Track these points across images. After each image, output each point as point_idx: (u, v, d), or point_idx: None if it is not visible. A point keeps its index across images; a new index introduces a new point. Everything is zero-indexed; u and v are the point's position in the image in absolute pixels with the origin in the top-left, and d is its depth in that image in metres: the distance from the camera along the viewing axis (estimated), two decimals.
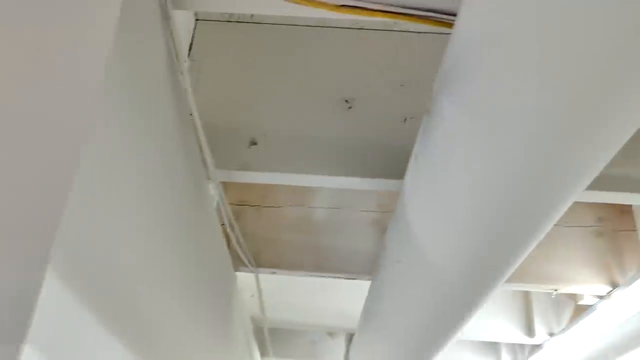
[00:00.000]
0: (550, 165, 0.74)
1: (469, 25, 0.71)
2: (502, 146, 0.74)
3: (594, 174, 0.84)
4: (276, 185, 2.05)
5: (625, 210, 2.12)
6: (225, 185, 2.10)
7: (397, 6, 0.85)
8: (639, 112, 0.71)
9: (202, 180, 1.32)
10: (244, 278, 2.13)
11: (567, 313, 2.52)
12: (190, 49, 1.52)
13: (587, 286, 2.06)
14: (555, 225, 2.34)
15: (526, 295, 2.73)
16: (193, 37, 1.54)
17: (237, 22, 1.53)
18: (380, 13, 0.86)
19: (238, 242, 1.73)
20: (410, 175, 1.07)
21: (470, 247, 1.02)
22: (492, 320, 2.72)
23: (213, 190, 1.45)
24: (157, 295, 1.04)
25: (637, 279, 1.82)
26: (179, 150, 1.08)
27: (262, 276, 2.08)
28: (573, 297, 2.44)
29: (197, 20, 1.56)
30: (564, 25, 0.57)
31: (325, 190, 2.13)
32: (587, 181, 0.86)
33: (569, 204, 0.91)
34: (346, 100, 1.44)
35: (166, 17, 0.88)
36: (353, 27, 1.52)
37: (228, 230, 1.66)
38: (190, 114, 1.12)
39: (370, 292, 1.73)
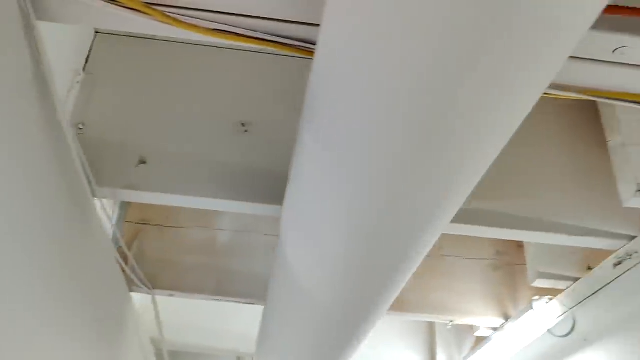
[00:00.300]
0: (394, 201, 0.76)
1: (320, 59, 0.72)
2: (350, 177, 0.75)
3: (450, 209, 0.86)
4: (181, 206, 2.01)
5: (521, 245, 2.19)
6: (127, 204, 2.04)
7: (266, 33, 0.86)
8: (481, 153, 0.74)
9: (85, 198, 1.27)
10: (148, 299, 2.06)
11: (468, 343, 2.58)
12: (86, 62, 1.48)
13: (482, 318, 2.11)
14: (456, 257, 2.40)
15: (431, 325, 2.78)
16: (91, 49, 1.50)
17: (137, 37, 1.50)
18: (250, 39, 0.86)
19: (128, 262, 1.68)
20: (286, 202, 1.07)
21: (338, 275, 1.02)
22: (396, 349, 2.75)
23: (100, 209, 1.40)
24: (14, 315, 0.99)
25: (525, 313, 1.89)
26: (50, 166, 1.03)
27: (170, 298, 2.02)
28: (472, 328, 2.50)
29: (96, 32, 1.52)
30: (397, 78, 0.58)
31: (232, 212, 2.10)
32: (445, 216, 0.87)
33: (430, 238, 0.92)
34: (242, 124, 1.43)
35: (29, 27, 0.85)
36: (253, 49, 1.52)
37: (115, 250, 1.61)
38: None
39: (262, 316, 1.72)
